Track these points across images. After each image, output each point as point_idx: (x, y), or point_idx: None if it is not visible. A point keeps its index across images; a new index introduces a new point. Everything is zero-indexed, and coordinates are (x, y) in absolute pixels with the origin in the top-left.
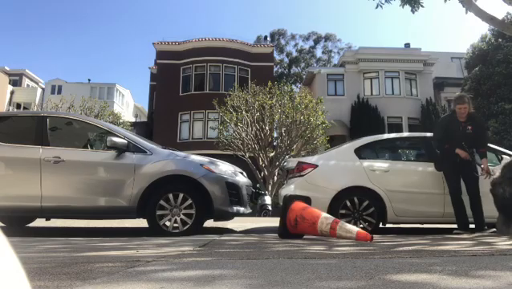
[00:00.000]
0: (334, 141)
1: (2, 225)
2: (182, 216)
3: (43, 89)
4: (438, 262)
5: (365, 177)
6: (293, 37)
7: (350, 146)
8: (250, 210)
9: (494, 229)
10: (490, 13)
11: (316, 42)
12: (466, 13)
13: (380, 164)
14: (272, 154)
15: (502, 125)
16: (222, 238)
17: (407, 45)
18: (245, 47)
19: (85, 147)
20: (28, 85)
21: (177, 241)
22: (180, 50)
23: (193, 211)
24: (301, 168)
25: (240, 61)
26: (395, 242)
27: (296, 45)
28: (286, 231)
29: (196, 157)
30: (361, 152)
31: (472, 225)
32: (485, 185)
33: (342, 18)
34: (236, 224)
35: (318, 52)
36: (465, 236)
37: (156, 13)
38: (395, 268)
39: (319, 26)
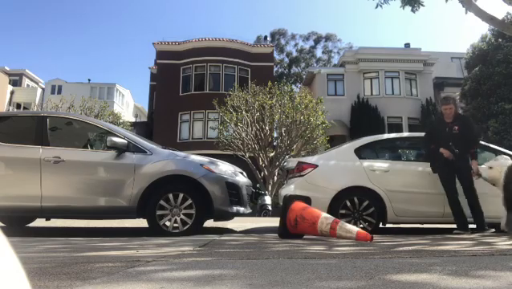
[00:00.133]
0: (334, 141)
1: (2, 225)
2: (182, 216)
3: (43, 89)
4: (438, 262)
5: (365, 177)
6: (293, 37)
7: (350, 146)
8: (250, 210)
9: (494, 230)
10: (490, 13)
11: (316, 42)
12: (466, 13)
13: (380, 164)
14: (272, 154)
15: (502, 125)
16: (222, 238)
17: (407, 45)
18: (245, 47)
19: (85, 147)
20: (28, 85)
21: (177, 241)
22: (180, 50)
23: (193, 211)
24: (301, 168)
25: (240, 61)
26: (395, 242)
27: (296, 45)
28: (286, 231)
29: (196, 157)
30: (361, 152)
31: (473, 226)
32: (484, 186)
33: (342, 18)
34: (236, 224)
35: (319, 52)
36: (465, 236)
37: (156, 13)
38: (395, 268)
39: (319, 26)
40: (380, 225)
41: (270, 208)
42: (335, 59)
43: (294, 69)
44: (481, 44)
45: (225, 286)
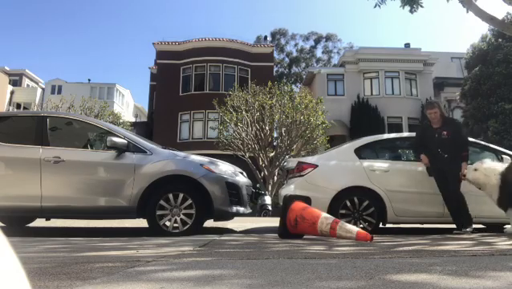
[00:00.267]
0: (334, 141)
1: (2, 225)
2: (182, 216)
3: (43, 89)
4: (438, 262)
5: (365, 177)
6: (293, 37)
7: (350, 146)
8: (250, 210)
9: (469, 230)
10: (490, 13)
11: (317, 41)
12: (467, 12)
13: (380, 164)
14: (272, 154)
15: (502, 125)
16: (222, 238)
17: (407, 45)
18: (245, 47)
19: (85, 147)
20: (28, 85)
21: (177, 241)
22: (180, 50)
23: (193, 211)
24: (301, 168)
25: (240, 61)
26: (395, 242)
27: (296, 45)
28: (286, 231)
29: (196, 157)
30: (361, 152)
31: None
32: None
33: (342, 18)
34: (236, 224)
35: (319, 52)
36: (465, 236)
37: (155, 13)
38: (395, 268)
39: (319, 26)
40: (380, 225)
41: (270, 208)
42: (335, 59)
43: (295, 69)
44: (481, 44)
45: (225, 286)
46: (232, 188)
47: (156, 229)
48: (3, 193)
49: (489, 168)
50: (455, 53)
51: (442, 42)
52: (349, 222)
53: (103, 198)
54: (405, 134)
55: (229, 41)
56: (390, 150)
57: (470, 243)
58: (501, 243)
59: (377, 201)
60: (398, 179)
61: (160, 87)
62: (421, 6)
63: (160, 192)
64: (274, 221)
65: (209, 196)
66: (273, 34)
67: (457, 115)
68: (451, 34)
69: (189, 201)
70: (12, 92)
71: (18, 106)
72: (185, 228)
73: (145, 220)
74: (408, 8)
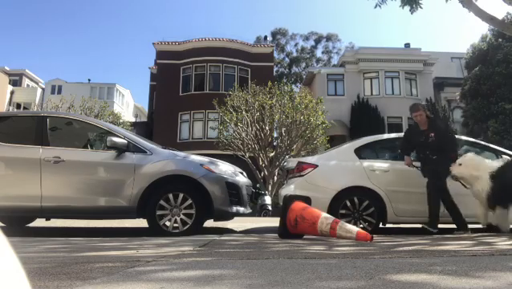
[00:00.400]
0: (334, 141)
1: (2, 225)
2: (182, 216)
3: (43, 89)
4: (438, 262)
5: (365, 177)
6: (293, 37)
7: (350, 146)
8: (250, 210)
9: (436, 231)
10: (490, 13)
11: (317, 41)
12: (469, 11)
13: (380, 164)
14: (272, 154)
15: (502, 125)
16: (222, 238)
17: (407, 45)
18: (245, 47)
19: (85, 147)
20: (28, 85)
21: (177, 241)
22: (180, 50)
23: (193, 211)
24: (301, 168)
25: (240, 61)
26: (395, 242)
27: (296, 45)
28: (286, 231)
29: (196, 157)
30: (361, 152)
31: (472, 226)
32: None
33: (342, 18)
34: (236, 224)
35: (319, 52)
36: (465, 236)
37: (155, 13)
38: (395, 268)
39: (319, 26)
40: (380, 225)
41: (270, 208)
42: (335, 59)
43: (295, 69)
44: (481, 44)
45: (225, 286)
46: (232, 188)
47: (156, 230)
48: (3, 193)
49: (475, 162)
50: (455, 53)
51: (442, 42)
52: (349, 222)
53: (103, 198)
54: None
55: (229, 41)
56: (390, 150)
57: (470, 243)
58: (501, 243)
59: (377, 201)
60: (398, 179)
61: (160, 87)
62: (420, 7)
63: (160, 192)
64: (274, 221)
65: (209, 196)
66: (273, 34)
67: (457, 115)
68: (451, 34)
69: (189, 201)
70: (12, 92)
71: (18, 106)
72: (185, 228)
73: (145, 220)
74: (407, 8)
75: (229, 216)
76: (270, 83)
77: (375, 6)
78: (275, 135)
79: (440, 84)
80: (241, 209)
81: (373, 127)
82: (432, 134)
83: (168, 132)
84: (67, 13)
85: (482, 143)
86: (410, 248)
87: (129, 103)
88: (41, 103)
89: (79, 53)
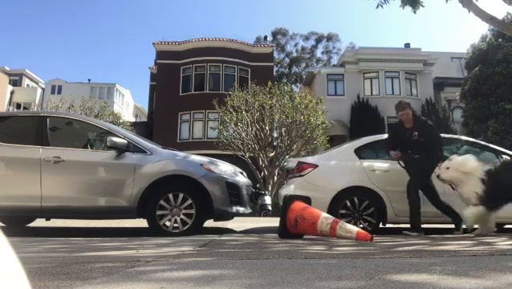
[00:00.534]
0: (334, 141)
1: (2, 225)
2: (182, 216)
3: (43, 89)
4: (438, 262)
5: (365, 177)
6: (293, 37)
7: (350, 146)
8: (250, 210)
9: (416, 234)
10: (490, 13)
11: (318, 41)
12: (469, 12)
13: (380, 164)
14: (272, 154)
15: (502, 125)
16: (222, 238)
17: (407, 45)
18: (245, 47)
19: (85, 147)
20: (28, 85)
21: (177, 241)
22: (180, 50)
23: (193, 211)
24: (301, 168)
25: (240, 61)
26: (395, 242)
27: (296, 45)
28: (286, 231)
29: (196, 157)
30: (361, 152)
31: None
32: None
33: (342, 18)
34: (236, 224)
35: (319, 52)
36: (465, 235)
37: (155, 13)
38: (395, 268)
39: (319, 26)
40: (380, 225)
41: (270, 208)
42: (335, 60)
43: (295, 69)
44: (481, 44)
45: (225, 286)
46: (232, 188)
47: (156, 230)
48: (3, 193)
49: (463, 165)
50: (455, 53)
51: (442, 42)
52: (349, 222)
53: (103, 198)
54: None
55: (229, 41)
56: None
57: (470, 243)
58: (501, 243)
59: (377, 201)
60: (398, 179)
61: (160, 87)
62: (422, 6)
63: (160, 192)
64: (274, 221)
65: (209, 196)
66: (273, 34)
67: (457, 115)
68: (451, 34)
69: (189, 201)
70: (12, 92)
71: (18, 106)
72: (185, 228)
73: (145, 220)
74: (408, 8)
75: (229, 216)
76: (270, 83)
77: (377, 6)
78: (275, 135)
79: (440, 84)
80: (241, 209)
81: (373, 127)
82: (416, 133)
83: (168, 132)
84: (66, 13)
85: (482, 143)
86: (410, 248)
87: (129, 103)
88: (41, 103)
89: (79, 53)
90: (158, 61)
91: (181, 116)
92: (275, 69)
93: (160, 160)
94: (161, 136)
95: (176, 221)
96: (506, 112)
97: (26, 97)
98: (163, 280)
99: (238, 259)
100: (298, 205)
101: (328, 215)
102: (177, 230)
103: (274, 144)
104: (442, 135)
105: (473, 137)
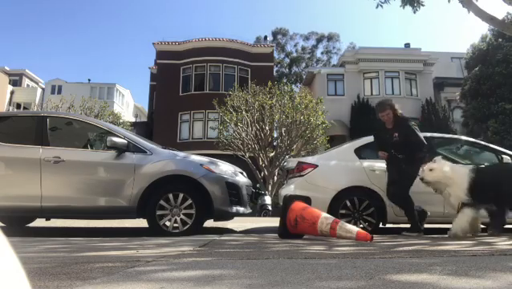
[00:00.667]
0: (334, 141)
1: (2, 225)
2: (182, 216)
3: (43, 89)
4: (438, 262)
5: (365, 177)
6: (292, 37)
7: (350, 146)
8: (250, 210)
9: (416, 234)
10: (490, 13)
11: (319, 41)
12: (469, 12)
13: (380, 164)
14: (272, 154)
15: (502, 125)
16: (222, 238)
17: (407, 45)
18: (245, 47)
19: (85, 147)
20: (28, 85)
21: (177, 241)
22: (180, 50)
23: (193, 211)
24: (301, 168)
25: (240, 61)
26: (395, 242)
27: (296, 45)
28: (286, 231)
29: (196, 157)
30: (361, 152)
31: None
32: None
33: (342, 18)
34: (236, 224)
35: (319, 52)
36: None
37: (155, 12)
38: (395, 268)
39: (319, 26)
40: (380, 225)
41: (270, 208)
42: (335, 60)
43: (295, 69)
44: (481, 44)
45: (225, 286)
46: (232, 188)
47: (156, 229)
48: (3, 193)
49: (447, 167)
50: (455, 53)
51: (442, 42)
52: (349, 222)
53: (103, 198)
54: None
55: (229, 41)
56: None
57: (470, 243)
58: (501, 243)
59: (377, 201)
60: None
61: (160, 87)
62: (422, 5)
63: (160, 192)
64: (274, 221)
65: (209, 196)
66: (274, 34)
67: (457, 115)
68: (451, 34)
69: (189, 201)
70: (12, 92)
71: (18, 106)
72: (185, 228)
73: (145, 220)
74: (408, 8)
75: (229, 216)
76: (270, 83)
77: (377, 6)
78: (275, 135)
79: (440, 84)
80: (241, 209)
81: (373, 127)
82: (396, 134)
83: (168, 132)
84: (66, 13)
85: (482, 143)
86: (410, 248)
87: (129, 103)
88: (41, 103)
89: (79, 53)
90: (158, 61)
91: (181, 116)
92: (275, 69)
93: (160, 160)
94: (161, 136)
95: (176, 221)
96: (506, 112)
97: (26, 97)
98: (163, 280)
99: (238, 259)
100: (298, 205)
101: (328, 215)
102: (177, 230)
103: (274, 144)
104: (442, 135)
105: (473, 137)
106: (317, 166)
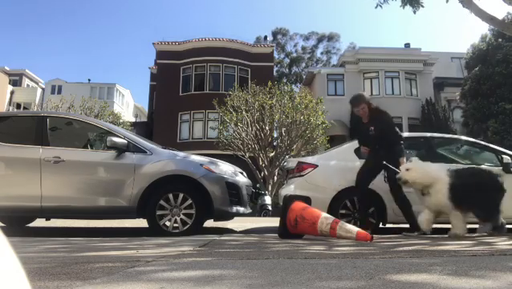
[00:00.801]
0: (334, 141)
1: (2, 225)
2: (182, 216)
3: (43, 89)
4: (438, 262)
5: None
6: (292, 37)
7: (350, 146)
8: (250, 210)
9: (416, 233)
10: (490, 13)
11: (319, 41)
12: (471, 12)
13: None
14: (272, 154)
15: (502, 125)
16: (222, 238)
17: (407, 45)
18: (245, 47)
19: (85, 147)
20: (28, 85)
21: (177, 241)
22: (180, 50)
23: (193, 211)
24: (301, 168)
25: (240, 61)
26: (395, 242)
27: (295, 45)
28: (286, 231)
29: (196, 157)
30: (361, 152)
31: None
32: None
33: (342, 18)
34: (236, 224)
35: (319, 52)
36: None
37: (155, 12)
38: (395, 268)
39: (319, 26)
40: (380, 225)
41: (270, 208)
42: (334, 60)
43: (295, 69)
44: (481, 44)
45: (225, 286)
46: (232, 188)
47: (156, 230)
48: (3, 193)
49: (425, 166)
50: (455, 53)
51: (442, 42)
52: (349, 222)
53: (103, 198)
54: (405, 134)
55: (229, 41)
56: None
57: (470, 243)
58: (501, 243)
59: (377, 201)
60: None
61: (160, 87)
62: (422, 6)
63: (160, 192)
64: (274, 221)
65: (209, 196)
66: (274, 34)
67: (457, 115)
68: (451, 34)
69: (189, 201)
70: (12, 92)
71: (18, 106)
72: (185, 228)
73: (145, 220)
74: (408, 8)
75: (229, 216)
76: (270, 83)
77: (376, 6)
78: (275, 135)
79: (440, 84)
80: (241, 209)
81: None
82: (372, 128)
83: (168, 132)
84: (67, 12)
85: (482, 143)
86: (410, 248)
87: (129, 103)
88: (41, 103)
89: (79, 53)
90: (158, 61)
91: (181, 116)
92: (275, 69)
93: (160, 160)
94: (161, 136)
95: (176, 221)
96: (506, 112)
97: (26, 97)
98: (163, 280)
99: (238, 259)
100: (298, 205)
101: (328, 215)
102: (177, 230)
103: (274, 144)
104: (442, 135)
105: (473, 137)
106: (317, 166)
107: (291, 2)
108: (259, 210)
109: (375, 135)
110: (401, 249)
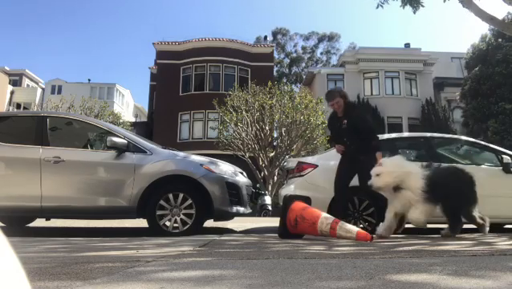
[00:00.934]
0: None
1: (2, 225)
2: (182, 216)
3: (43, 89)
4: (438, 262)
5: None
6: (292, 37)
7: None
8: (250, 210)
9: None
10: (490, 13)
11: (320, 40)
12: (470, 12)
13: None
14: (272, 154)
15: (502, 125)
16: (222, 238)
17: (407, 45)
18: (245, 47)
19: (85, 147)
20: (28, 85)
21: (177, 241)
22: (180, 50)
23: (193, 211)
24: (301, 168)
25: (240, 61)
26: (395, 242)
27: (295, 45)
28: (286, 231)
29: (196, 157)
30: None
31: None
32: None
33: (342, 18)
34: (236, 224)
35: (319, 52)
36: (465, 235)
37: (155, 12)
38: (395, 268)
39: (319, 26)
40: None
41: (270, 208)
42: (334, 60)
43: (295, 69)
44: (481, 44)
45: (225, 286)
46: (232, 188)
47: (156, 230)
48: (3, 193)
49: (395, 165)
50: (455, 53)
51: (442, 42)
52: (349, 222)
53: (103, 198)
54: (405, 134)
55: (229, 41)
56: (390, 150)
57: (470, 243)
58: (501, 243)
59: (377, 201)
60: None
61: (160, 87)
62: (422, 6)
63: (160, 192)
64: (274, 221)
65: (209, 196)
66: (274, 34)
67: (457, 115)
68: (451, 34)
69: (189, 201)
70: (12, 92)
71: (18, 106)
72: (185, 228)
73: (145, 220)
74: (408, 8)
75: (229, 216)
76: (270, 83)
77: (377, 7)
78: (275, 135)
79: (440, 84)
80: (241, 209)
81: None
82: (345, 121)
83: (168, 132)
84: (67, 12)
85: (482, 143)
86: (410, 248)
87: (129, 103)
88: (41, 103)
89: (79, 53)
90: (158, 61)
91: (181, 116)
92: (275, 69)
93: (160, 160)
94: (161, 136)
95: (176, 221)
96: (506, 112)
97: (26, 97)
98: (163, 280)
99: (238, 259)
100: (298, 205)
101: (328, 215)
102: (177, 230)
103: (274, 144)
104: (442, 135)
105: (473, 137)
106: (317, 166)
107: (291, 2)
108: (259, 210)
109: (348, 128)
110: (401, 249)
